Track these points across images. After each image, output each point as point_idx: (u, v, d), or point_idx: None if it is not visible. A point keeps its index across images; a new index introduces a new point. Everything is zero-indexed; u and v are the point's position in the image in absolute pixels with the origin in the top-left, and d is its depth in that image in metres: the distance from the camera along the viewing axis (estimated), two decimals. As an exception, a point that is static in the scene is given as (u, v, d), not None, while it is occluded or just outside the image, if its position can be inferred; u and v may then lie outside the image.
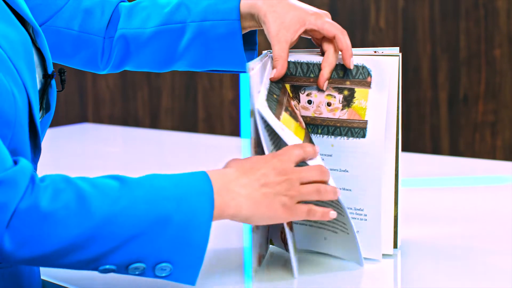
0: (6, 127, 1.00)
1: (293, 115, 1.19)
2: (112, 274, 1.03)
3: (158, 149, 2.41)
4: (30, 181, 0.97)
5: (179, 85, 3.63)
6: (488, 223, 1.45)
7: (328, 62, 1.21)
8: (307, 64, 1.23)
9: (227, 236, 1.37)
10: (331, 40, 1.21)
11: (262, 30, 1.26)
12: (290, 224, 1.15)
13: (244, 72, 1.32)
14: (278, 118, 1.13)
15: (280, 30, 1.21)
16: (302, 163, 1.11)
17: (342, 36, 1.20)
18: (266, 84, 1.18)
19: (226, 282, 1.16)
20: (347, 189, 1.22)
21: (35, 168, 1.11)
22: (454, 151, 3.37)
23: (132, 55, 1.32)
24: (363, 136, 1.20)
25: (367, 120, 1.20)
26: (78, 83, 3.69)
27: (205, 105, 3.60)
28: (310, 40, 1.26)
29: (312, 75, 1.23)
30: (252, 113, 1.11)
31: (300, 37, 1.23)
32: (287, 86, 1.24)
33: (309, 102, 1.23)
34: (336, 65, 1.21)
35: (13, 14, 1.10)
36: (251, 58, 1.30)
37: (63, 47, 1.31)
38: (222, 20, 1.26)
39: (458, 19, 3.33)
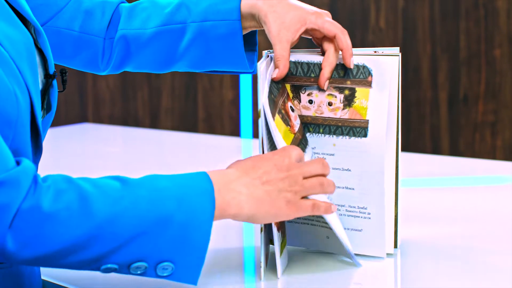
0: (8, 127, 1.00)
1: (285, 118, 1.19)
2: (113, 274, 1.03)
3: (158, 149, 2.41)
4: (32, 181, 0.97)
5: (179, 85, 3.63)
6: (488, 223, 1.45)
7: (328, 62, 1.21)
8: (308, 64, 1.23)
9: (227, 236, 1.37)
10: (331, 39, 1.21)
11: (262, 30, 1.26)
12: (278, 224, 1.15)
13: (244, 72, 1.32)
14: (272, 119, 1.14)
15: (281, 30, 1.21)
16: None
17: (343, 36, 1.20)
18: (267, 83, 1.18)
19: (226, 282, 1.17)
20: (350, 188, 1.22)
21: (36, 168, 1.11)
22: (454, 151, 3.37)
23: (132, 56, 1.32)
24: (365, 135, 1.21)
25: (368, 120, 1.20)
26: (78, 83, 3.69)
27: (205, 105, 3.60)
28: (310, 40, 1.26)
29: (312, 75, 1.23)
30: (260, 113, 1.12)
31: (300, 37, 1.23)
32: (288, 86, 1.24)
33: (310, 101, 1.24)
34: (337, 64, 1.22)
35: (15, 14, 1.10)
36: (251, 59, 1.30)
37: (64, 47, 1.31)
38: (223, 20, 1.26)
39: (458, 19, 3.33)
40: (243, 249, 1.34)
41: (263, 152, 1.13)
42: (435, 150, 3.38)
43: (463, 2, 3.31)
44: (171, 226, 1.00)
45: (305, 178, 1.09)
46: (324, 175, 1.11)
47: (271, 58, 1.22)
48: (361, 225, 1.22)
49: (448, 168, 1.98)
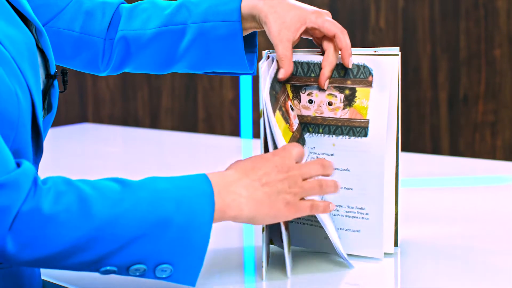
0: (9, 127, 1.00)
1: (285, 116, 1.19)
2: (112, 275, 1.03)
3: (158, 149, 2.41)
4: (32, 183, 0.97)
5: (179, 85, 3.63)
6: (488, 223, 1.45)
7: (328, 62, 1.21)
8: (308, 63, 1.23)
9: (227, 236, 1.37)
10: (331, 39, 1.21)
11: (262, 31, 1.26)
12: (286, 224, 1.15)
13: (244, 74, 1.32)
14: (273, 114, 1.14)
15: (282, 30, 1.21)
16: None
17: (342, 35, 1.20)
18: (269, 79, 1.18)
19: (226, 282, 1.17)
20: (348, 188, 1.22)
21: (37, 168, 1.11)
22: (454, 151, 3.37)
23: (132, 57, 1.32)
24: (365, 135, 1.21)
25: (369, 119, 1.20)
26: (78, 83, 3.69)
27: (205, 105, 3.60)
28: (310, 40, 1.26)
29: (312, 75, 1.23)
30: (261, 113, 1.12)
31: (300, 38, 1.23)
32: (288, 86, 1.24)
33: (310, 101, 1.24)
34: (337, 64, 1.22)
35: (16, 14, 1.10)
36: (251, 60, 1.30)
37: (64, 48, 1.31)
38: (223, 21, 1.26)
39: (458, 19, 3.33)
40: (243, 249, 1.34)
41: (265, 151, 1.13)
42: (435, 150, 3.38)
43: (463, 2, 3.31)
44: (171, 228, 1.00)
45: (304, 179, 1.09)
46: (326, 176, 1.11)
47: (272, 58, 1.22)
48: (359, 226, 1.22)
49: (448, 168, 1.98)
